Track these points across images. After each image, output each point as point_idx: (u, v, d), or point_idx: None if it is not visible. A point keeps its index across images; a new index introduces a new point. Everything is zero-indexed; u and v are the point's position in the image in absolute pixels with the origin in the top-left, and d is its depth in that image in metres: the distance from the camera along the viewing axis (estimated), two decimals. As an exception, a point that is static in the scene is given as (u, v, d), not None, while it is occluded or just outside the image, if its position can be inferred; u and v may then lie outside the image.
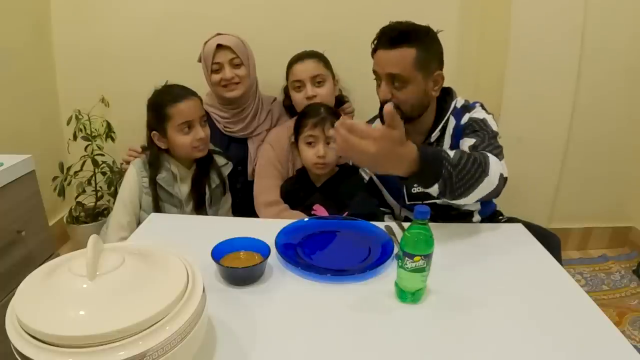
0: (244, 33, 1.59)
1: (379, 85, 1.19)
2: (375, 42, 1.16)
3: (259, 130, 1.62)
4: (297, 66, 1.50)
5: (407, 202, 1.25)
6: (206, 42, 1.54)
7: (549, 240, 1.11)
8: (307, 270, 0.88)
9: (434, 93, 1.18)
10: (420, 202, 1.24)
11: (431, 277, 0.80)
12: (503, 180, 1.01)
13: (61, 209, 2.13)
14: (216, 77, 1.53)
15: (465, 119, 1.19)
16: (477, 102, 1.24)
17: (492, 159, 0.99)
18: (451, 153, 0.94)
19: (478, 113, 1.19)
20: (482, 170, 0.95)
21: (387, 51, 1.12)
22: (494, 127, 1.16)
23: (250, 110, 1.60)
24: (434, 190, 0.92)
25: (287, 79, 1.56)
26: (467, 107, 1.21)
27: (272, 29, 1.90)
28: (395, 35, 1.11)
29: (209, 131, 1.37)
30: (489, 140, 1.10)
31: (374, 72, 1.18)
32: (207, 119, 1.41)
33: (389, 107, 0.82)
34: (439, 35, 1.17)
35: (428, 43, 1.13)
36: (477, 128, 1.15)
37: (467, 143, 1.11)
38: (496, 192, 1.01)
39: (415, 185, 1.15)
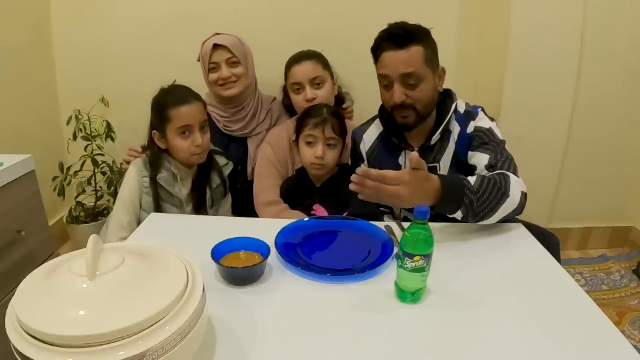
0: (244, 33, 1.59)
1: (386, 89, 1.18)
2: (378, 45, 1.16)
3: (258, 130, 1.62)
4: (295, 68, 1.49)
5: (407, 203, 1.25)
6: (204, 42, 1.54)
7: (549, 240, 1.11)
8: (307, 270, 0.88)
9: (440, 89, 1.20)
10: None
11: (431, 277, 0.80)
12: (524, 197, 1.06)
13: (61, 209, 2.13)
14: (213, 76, 1.53)
15: (471, 128, 1.19)
16: (478, 107, 1.23)
17: (512, 179, 1.04)
18: (472, 180, 1.00)
19: (483, 122, 1.20)
20: (502, 192, 1.01)
21: (396, 52, 1.12)
22: (500, 136, 1.18)
23: (250, 109, 1.60)
24: (458, 215, 0.99)
25: (285, 80, 1.56)
26: (471, 114, 1.21)
27: (272, 29, 1.90)
28: (402, 36, 1.11)
29: (209, 137, 1.36)
30: (501, 153, 1.13)
31: (382, 76, 1.17)
32: (208, 122, 1.40)
33: (415, 155, 0.91)
34: (437, 34, 1.18)
35: (430, 40, 1.16)
36: (487, 140, 1.16)
37: (481, 160, 1.13)
38: (519, 209, 1.05)
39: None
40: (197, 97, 1.33)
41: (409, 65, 1.11)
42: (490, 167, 1.11)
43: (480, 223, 1.02)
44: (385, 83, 1.18)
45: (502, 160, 1.11)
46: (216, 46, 1.50)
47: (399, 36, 1.11)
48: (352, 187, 0.91)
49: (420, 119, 1.18)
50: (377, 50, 1.16)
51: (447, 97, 1.24)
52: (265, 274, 0.88)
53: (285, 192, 1.43)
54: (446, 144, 1.21)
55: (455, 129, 1.21)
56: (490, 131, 1.18)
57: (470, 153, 1.18)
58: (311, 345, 0.70)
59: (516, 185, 1.04)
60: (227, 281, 0.85)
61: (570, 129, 1.99)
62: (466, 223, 1.03)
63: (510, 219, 1.23)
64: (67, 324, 0.50)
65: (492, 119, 1.23)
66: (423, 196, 0.92)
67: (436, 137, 1.20)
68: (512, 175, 1.06)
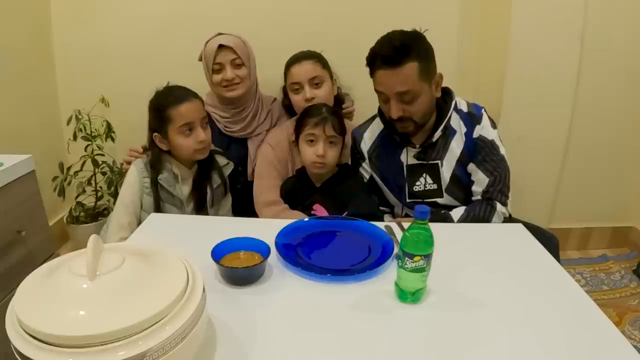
0: (244, 33, 1.58)
1: (384, 102, 1.20)
2: (371, 62, 1.15)
3: (259, 131, 1.62)
4: (294, 68, 1.49)
5: (408, 200, 1.25)
6: (207, 41, 1.53)
7: (549, 240, 1.12)
8: (307, 270, 0.88)
9: (437, 94, 1.20)
10: (421, 200, 1.25)
11: (431, 277, 0.80)
12: (506, 220, 1.21)
13: (61, 209, 2.13)
14: (217, 77, 1.52)
15: (476, 132, 1.21)
16: (481, 108, 1.24)
17: (497, 211, 1.19)
18: (457, 215, 1.18)
19: (487, 131, 1.21)
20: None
21: (389, 71, 1.10)
22: (502, 149, 1.22)
23: (250, 110, 1.60)
24: None
25: (285, 80, 1.56)
26: (475, 117, 1.22)
27: (272, 29, 1.90)
28: (393, 54, 1.09)
29: (210, 133, 1.37)
30: (500, 176, 1.21)
31: (378, 91, 1.18)
32: (208, 119, 1.41)
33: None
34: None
35: (423, 49, 1.12)
36: (487, 158, 1.21)
37: (482, 181, 1.22)
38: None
39: (417, 183, 1.24)
40: (194, 95, 1.33)
41: (403, 84, 1.10)
42: (486, 192, 1.21)
43: None
44: (382, 97, 1.19)
45: (498, 189, 1.20)
46: (221, 47, 1.49)
47: (391, 56, 1.09)
48: None
49: (419, 127, 1.20)
50: (371, 66, 1.16)
51: (446, 95, 1.24)
52: (265, 274, 0.88)
53: (285, 192, 1.42)
54: (449, 140, 1.21)
55: (461, 127, 1.21)
56: (492, 144, 1.20)
57: (471, 165, 1.22)
58: (311, 345, 0.70)
59: (498, 217, 1.19)
60: (227, 281, 0.85)
61: (570, 129, 1.99)
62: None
63: (511, 218, 1.25)
64: (67, 324, 0.50)
65: (494, 124, 1.23)
66: None
67: (438, 134, 1.20)
68: (499, 207, 1.18)
